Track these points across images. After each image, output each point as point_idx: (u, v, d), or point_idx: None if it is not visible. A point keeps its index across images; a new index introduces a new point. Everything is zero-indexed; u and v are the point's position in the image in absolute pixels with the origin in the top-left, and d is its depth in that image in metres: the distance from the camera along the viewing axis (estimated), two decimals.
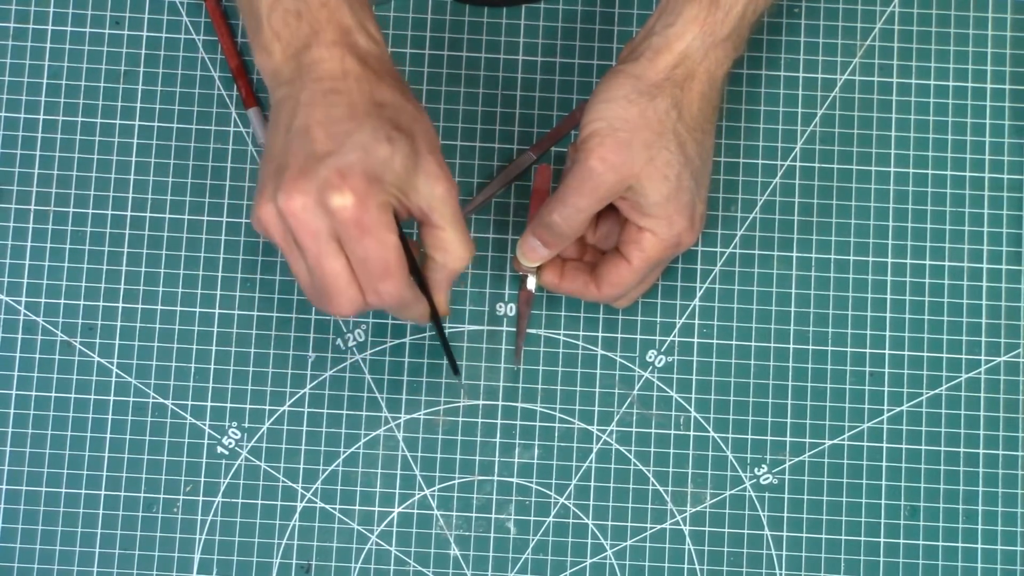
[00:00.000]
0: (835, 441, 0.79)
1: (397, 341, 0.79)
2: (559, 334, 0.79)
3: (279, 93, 0.65)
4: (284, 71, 0.65)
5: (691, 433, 0.79)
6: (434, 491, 0.78)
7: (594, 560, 0.78)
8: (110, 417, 0.78)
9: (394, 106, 0.64)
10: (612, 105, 0.70)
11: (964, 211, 0.81)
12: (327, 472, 0.78)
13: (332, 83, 0.64)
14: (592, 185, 0.70)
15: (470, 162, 0.81)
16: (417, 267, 0.68)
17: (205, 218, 0.80)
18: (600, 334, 0.79)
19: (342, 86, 0.64)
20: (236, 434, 0.78)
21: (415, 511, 0.78)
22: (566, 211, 0.71)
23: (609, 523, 0.78)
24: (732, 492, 0.78)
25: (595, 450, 0.79)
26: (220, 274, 0.79)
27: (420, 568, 0.78)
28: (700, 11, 0.70)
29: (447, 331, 0.79)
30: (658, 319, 0.80)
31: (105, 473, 0.78)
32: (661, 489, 0.78)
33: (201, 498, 0.78)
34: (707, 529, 0.78)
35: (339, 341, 0.79)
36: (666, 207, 0.70)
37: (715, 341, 0.80)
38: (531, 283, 0.77)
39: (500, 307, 0.80)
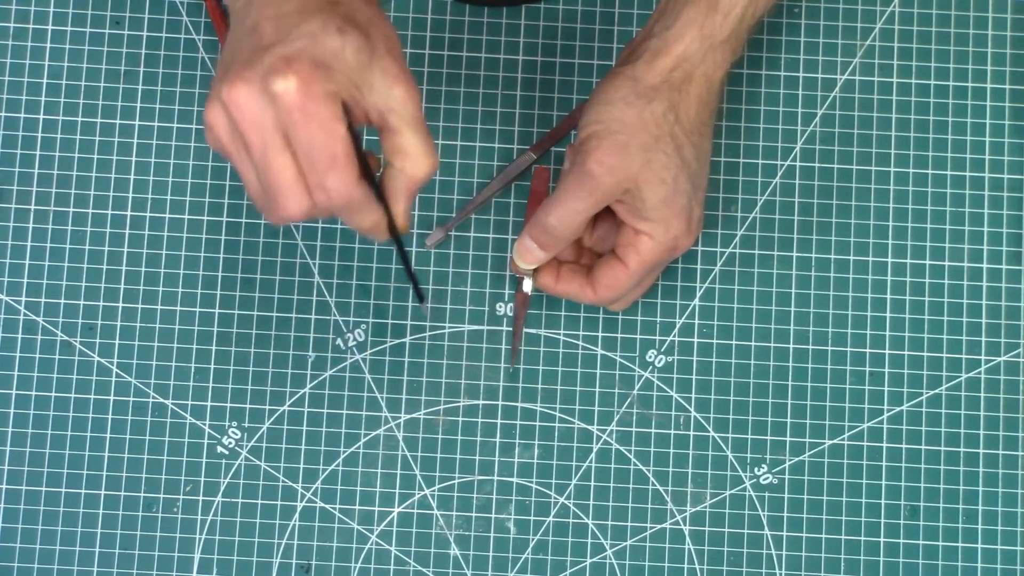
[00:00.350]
0: (835, 441, 0.79)
1: (397, 341, 0.79)
2: (559, 334, 0.79)
3: (238, 3, 0.63)
4: None
5: (691, 433, 0.79)
6: (434, 491, 0.78)
7: (594, 560, 0.78)
8: (110, 417, 0.78)
9: (349, 5, 0.61)
10: (610, 107, 0.70)
11: (964, 211, 0.81)
12: (327, 472, 0.78)
13: None
14: (589, 188, 0.70)
15: (470, 162, 0.81)
16: (371, 172, 0.63)
17: (205, 218, 0.80)
18: (600, 334, 0.79)
19: None
20: (236, 434, 0.78)
21: (415, 511, 0.78)
22: (563, 213, 0.71)
23: (609, 523, 0.78)
24: (732, 492, 0.78)
25: (595, 450, 0.79)
26: (220, 274, 0.79)
27: (420, 568, 0.78)
28: (699, 14, 0.69)
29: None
30: (658, 319, 0.80)
31: (105, 473, 0.78)
32: (661, 489, 0.78)
33: (201, 498, 0.78)
34: (707, 529, 0.78)
35: (339, 341, 0.79)
36: (663, 210, 0.70)
37: (715, 341, 0.80)
38: (527, 285, 0.77)
39: (500, 307, 0.80)
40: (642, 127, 0.69)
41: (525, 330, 0.79)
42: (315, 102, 0.58)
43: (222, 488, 0.78)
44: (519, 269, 0.76)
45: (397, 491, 0.78)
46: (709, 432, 0.79)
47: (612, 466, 0.78)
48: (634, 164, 0.69)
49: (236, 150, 0.61)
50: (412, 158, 0.63)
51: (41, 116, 0.80)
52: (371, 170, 0.63)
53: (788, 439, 0.79)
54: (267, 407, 0.78)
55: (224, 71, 0.60)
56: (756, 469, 0.79)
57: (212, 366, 0.79)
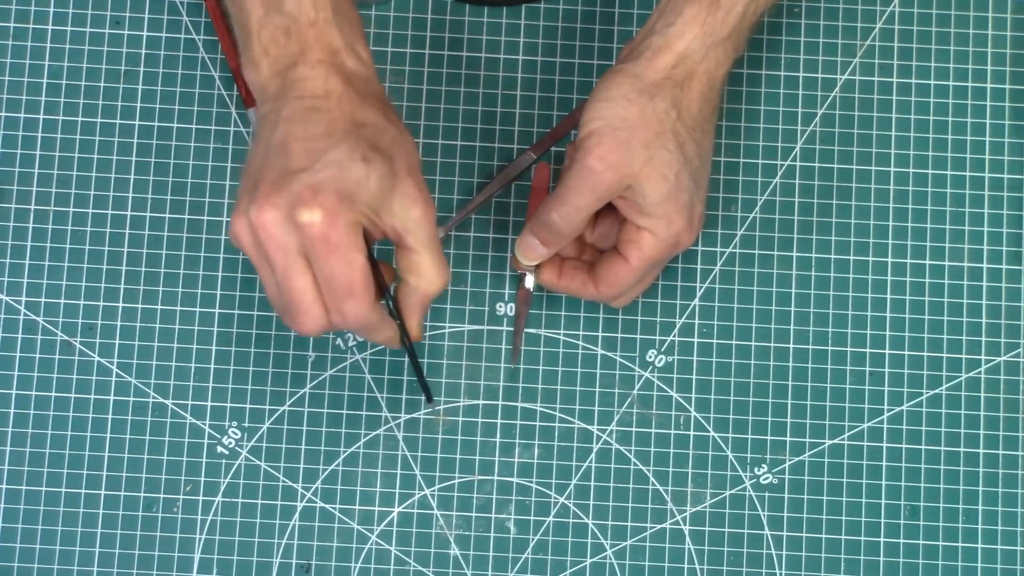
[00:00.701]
0: (835, 441, 0.79)
1: None
2: (559, 334, 0.79)
3: (264, 109, 0.65)
4: (270, 87, 0.65)
5: (691, 433, 0.79)
6: (434, 491, 0.78)
7: (594, 560, 0.78)
8: (110, 417, 0.78)
9: (375, 127, 0.64)
10: (611, 104, 0.70)
11: (964, 211, 0.81)
12: (327, 472, 0.78)
13: (314, 101, 0.64)
14: (591, 184, 0.70)
15: (470, 162, 0.81)
16: (386, 290, 0.67)
17: (205, 218, 0.80)
18: (600, 334, 0.79)
19: (323, 104, 0.64)
20: (236, 434, 0.78)
21: (415, 511, 0.78)
22: (564, 210, 0.71)
23: (609, 523, 0.78)
24: (732, 492, 0.78)
25: (595, 450, 0.79)
26: (220, 274, 0.79)
27: (420, 568, 0.78)
28: (700, 11, 0.70)
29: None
30: (658, 319, 0.80)
31: (105, 473, 0.78)
32: (661, 489, 0.78)
33: (201, 498, 0.78)
34: (707, 529, 0.78)
35: (339, 341, 0.79)
36: (665, 207, 0.70)
37: (715, 341, 0.80)
38: (529, 282, 0.77)
39: (500, 307, 0.80)
40: (644, 123, 0.69)
41: (525, 330, 0.79)
42: (338, 233, 0.62)
43: (222, 488, 0.78)
44: (521, 266, 0.76)
45: (397, 491, 0.78)
46: (709, 432, 0.79)
47: (612, 466, 0.78)
48: (636, 160, 0.69)
49: (260, 263, 0.64)
50: (426, 276, 0.66)
51: (41, 116, 0.80)
52: (385, 284, 0.67)
53: (788, 439, 0.79)
54: (267, 407, 0.79)
55: (252, 185, 0.63)
56: (756, 469, 0.79)
57: (212, 366, 0.79)
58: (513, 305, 0.79)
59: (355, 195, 0.62)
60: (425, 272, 0.66)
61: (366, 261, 0.63)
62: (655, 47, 0.70)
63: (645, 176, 0.69)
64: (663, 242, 0.71)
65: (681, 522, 0.78)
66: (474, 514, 0.78)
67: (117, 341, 0.79)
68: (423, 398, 0.77)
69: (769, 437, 0.79)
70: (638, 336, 0.79)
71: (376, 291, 0.65)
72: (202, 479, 0.78)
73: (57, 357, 0.78)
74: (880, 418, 0.79)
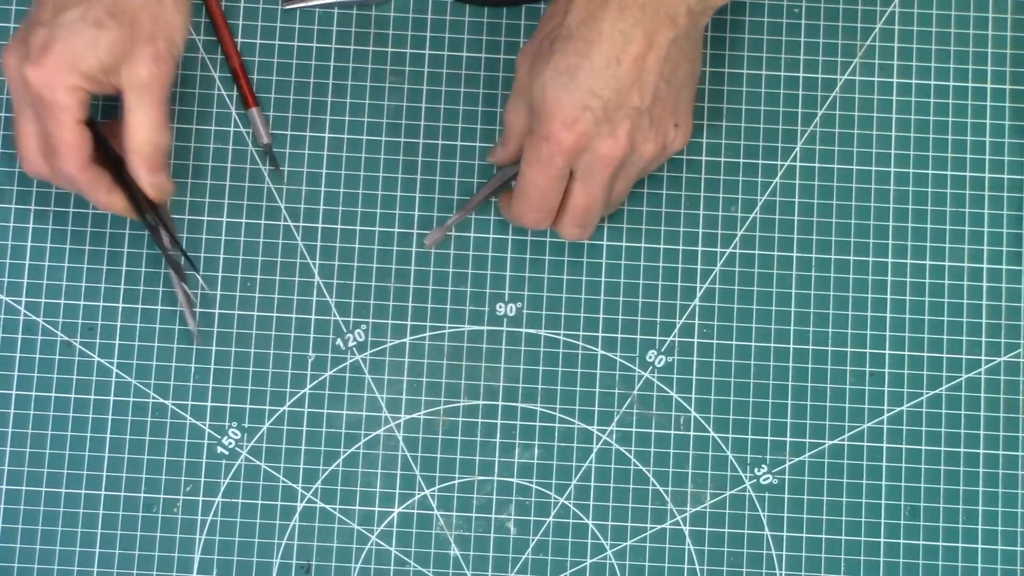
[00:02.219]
0: (835, 441, 0.79)
1: (397, 341, 0.79)
2: (559, 334, 0.79)
3: None
4: None
5: (691, 433, 0.79)
6: (434, 491, 0.78)
7: (594, 560, 0.78)
8: (110, 417, 0.78)
9: None
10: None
11: (964, 211, 0.81)
12: (327, 472, 0.78)
13: None
14: (516, 88, 0.74)
15: (470, 162, 0.81)
16: (113, 154, 0.72)
17: (205, 218, 0.80)
18: (600, 334, 0.79)
19: None
20: (236, 434, 0.78)
21: (415, 511, 0.78)
22: (506, 107, 0.75)
23: (609, 523, 0.78)
24: (732, 492, 0.78)
25: (595, 450, 0.79)
26: (220, 274, 0.79)
27: (420, 568, 0.78)
28: None
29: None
30: (658, 319, 0.80)
31: (105, 473, 0.78)
32: (661, 489, 0.78)
33: (201, 498, 0.78)
34: (707, 529, 0.78)
35: (339, 341, 0.79)
36: (536, 99, 0.71)
37: (715, 341, 0.80)
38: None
39: (500, 307, 0.80)
40: (546, 19, 0.72)
41: (526, 330, 0.79)
42: (52, 94, 0.67)
43: (222, 488, 0.78)
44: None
45: (397, 491, 0.78)
46: (709, 432, 0.79)
47: (612, 466, 0.78)
48: (529, 54, 0.72)
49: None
50: (134, 132, 0.70)
51: None
52: (113, 153, 0.72)
53: (788, 439, 0.79)
54: (267, 407, 0.78)
55: (22, 26, 0.70)
56: (756, 469, 0.79)
57: (212, 366, 0.79)
58: (513, 306, 0.79)
59: (81, 58, 0.67)
60: (134, 128, 0.70)
61: (77, 123, 0.68)
62: None
63: (533, 69, 0.71)
64: (533, 138, 0.71)
65: (681, 522, 0.78)
66: (474, 514, 0.78)
67: (117, 341, 0.79)
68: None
69: (769, 437, 0.79)
70: (638, 336, 0.79)
71: (96, 155, 0.70)
72: (202, 479, 0.78)
73: (57, 357, 0.78)
74: (880, 418, 0.79)
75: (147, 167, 0.72)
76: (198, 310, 0.79)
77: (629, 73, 0.70)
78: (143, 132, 0.70)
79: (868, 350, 0.79)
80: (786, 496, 0.78)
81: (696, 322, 0.80)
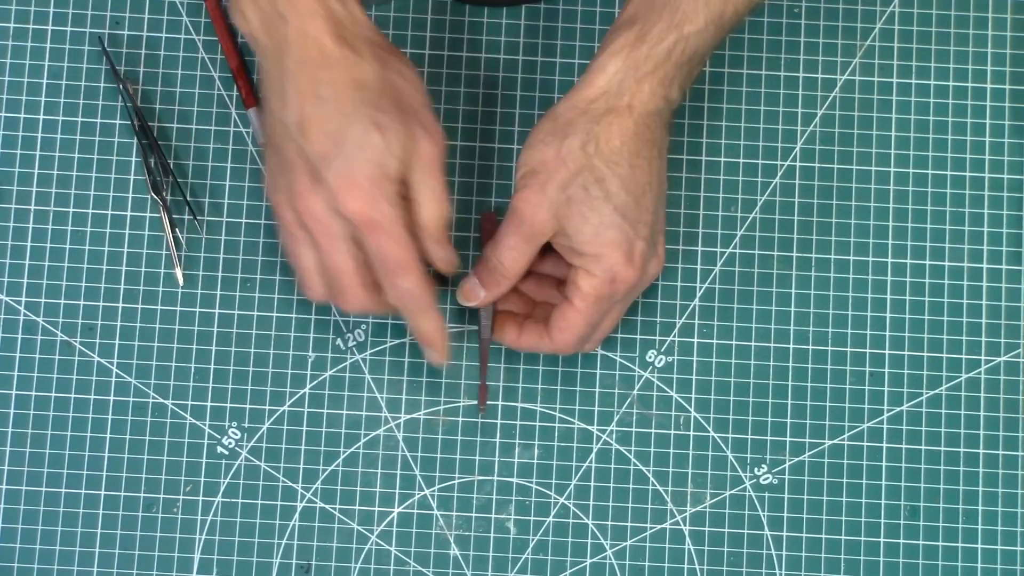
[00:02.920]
0: (835, 441, 0.79)
1: (397, 341, 0.79)
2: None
3: (263, 64, 0.68)
4: (262, 42, 0.68)
5: (691, 433, 0.79)
6: (434, 491, 0.78)
7: (594, 560, 0.78)
8: (110, 417, 0.78)
9: (375, 81, 0.67)
10: (532, 150, 0.70)
11: (964, 211, 0.81)
12: (327, 472, 0.78)
13: (314, 71, 0.66)
14: (519, 226, 0.70)
15: (470, 162, 0.81)
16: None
17: (206, 218, 0.80)
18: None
19: (324, 74, 0.66)
20: (236, 434, 0.78)
21: (415, 511, 0.78)
22: (499, 251, 0.71)
23: (609, 523, 0.78)
24: (732, 492, 0.78)
25: (595, 450, 0.79)
26: (220, 274, 0.79)
27: (420, 568, 0.78)
28: (625, 45, 0.69)
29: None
30: (658, 319, 0.80)
31: (105, 473, 0.78)
32: (661, 489, 0.78)
33: (201, 498, 0.78)
34: (707, 529, 0.78)
35: (339, 341, 0.79)
36: (592, 244, 0.70)
37: (715, 341, 0.80)
38: (485, 331, 0.76)
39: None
40: (559, 164, 0.69)
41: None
42: (381, 214, 0.66)
43: (222, 488, 0.78)
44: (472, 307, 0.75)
45: (397, 491, 0.78)
46: (709, 432, 0.79)
47: (612, 466, 0.78)
48: (556, 202, 0.69)
49: (301, 240, 0.69)
50: (418, 207, 0.69)
51: (41, 116, 0.80)
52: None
53: (788, 439, 0.79)
54: (267, 407, 0.79)
55: (283, 170, 0.68)
56: (756, 469, 0.79)
57: (212, 366, 0.79)
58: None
59: (385, 168, 0.66)
60: (422, 204, 0.68)
61: (405, 230, 0.67)
62: (579, 83, 0.70)
63: (566, 217, 0.69)
64: (598, 279, 0.70)
65: (681, 522, 0.78)
66: (474, 514, 0.78)
67: (117, 341, 0.79)
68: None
69: (769, 437, 0.79)
70: (638, 336, 0.79)
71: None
72: (202, 479, 0.78)
73: (57, 357, 0.78)
74: (880, 418, 0.79)
75: (438, 242, 0.70)
76: (199, 310, 0.79)
77: (658, 191, 0.72)
78: (432, 208, 0.69)
79: (868, 350, 0.79)
80: (786, 496, 0.78)
81: (696, 322, 0.80)
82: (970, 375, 0.79)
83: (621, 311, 0.75)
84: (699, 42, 0.69)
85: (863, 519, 0.78)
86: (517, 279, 0.73)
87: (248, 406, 0.78)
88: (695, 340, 0.79)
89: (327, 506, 0.78)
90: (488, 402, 0.79)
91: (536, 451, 0.78)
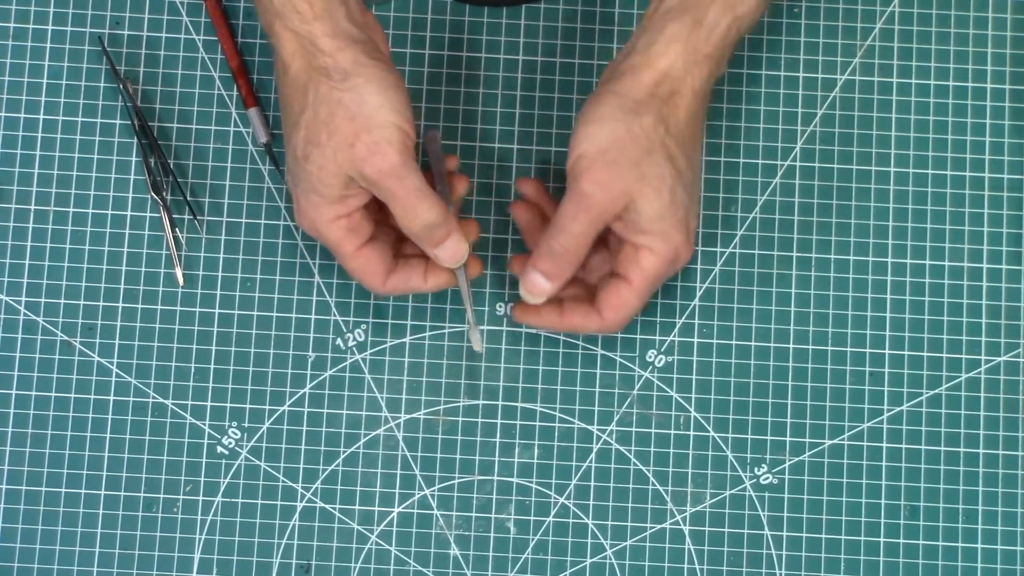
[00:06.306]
0: (835, 441, 0.79)
1: (397, 341, 0.79)
2: (559, 334, 0.79)
3: (293, 100, 0.71)
4: (300, 80, 0.70)
5: (691, 433, 0.79)
6: (434, 491, 0.78)
7: (594, 560, 0.78)
8: (110, 417, 0.78)
9: (304, 122, 0.69)
10: (598, 126, 0.69)
11: (964, 211, 0.81)
12: (327, 472, 0.78)
13: (313, 134, 0.69)
14: (586, 207, 0.69)
15: (470, 162, 0.81)
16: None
17: (206, 218, 0.80)
18: (600, 334, 0.79)
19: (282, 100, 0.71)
20: (236, 434, 0.78)
21: (415, 511, 0.78)
22: (563, 238, 0.70)
23: (609, 523, 0.78)
24: (732, 492, 0.78)
25: (595, 450, 0.79)
26: (220, 274, 0.79)
27: (420, 568, 0.78)
28: (683, 29, 0.69)
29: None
30: (658, 319, 0.80)
31: (105, 473, 0.78)
32: (661, 489, 0.78)
33: (201, 498, 0.78)
34: (707, 529, 0.78)
35: (339, 341, 0.79)
36: (661, 223, 0.70)
37: (715, 341, 0.80)
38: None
39: (500, 307, 0.80)
40: (632, 141, 0.69)
41: (526, 330, 0.79)
42: (321, 236, 0.71)
43: (222, 488, 0.78)
44: (523, 315, 0.74)
45: (397, 491, 0.78)
46: (709, 432, 0.79)
47: (612, 466, 0.78)
48: (627, 178, 0.69)
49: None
50: (396, 220, 0.72)
51: (41, 116, 0.80)
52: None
53: (788, 439, 0.79)
54: (267, 407, 0.79)
55: (294, 193, 0.72)
56: (756, 469, 0.79)
57: (212, 366, 0.79)
58: (514, 305, 0.79)
59: (315, 193, 0.70)
60: (397, 218, 0.71)
61: (356, 251, 0.72)
62: (637, 66, 0.70)
63: (639, 193, 0.69)
64: (662, 257, 0.70)
65: (681, 522, 0.78)
66: (474, 514, 0.78)
67: (117, 341, 0.79)
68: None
69: (769, 437, 0.79)
70: (638, 336, 0.79)
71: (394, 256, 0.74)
72: (202, 479, 0.78)
73: (57, 357, 0.78)
74: (880, 418, 0.79)
75: (429, 246, 0.72)
76: (199, 310, 0.79)
77: (700, 176, 0.73)
78: (401, 222, 0.70)
79: (868, 350, 0.79)
80: (786, 496, 0.78)
81: (696, 322, 0.80)
82: (970, 375, 0.79)
83: (656, 291, 0.75)
84: (751, 21, 0.71)
85: (863, 519, 0.78)
86: (580, 263, 0.72)
87: (248, 406, 0.78)
88: (695, 340, 0.80)
89: (327, 506, 0.78)
90: (488, 402, 0.79)
91: (536, 451, 0.78)
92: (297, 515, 0.78)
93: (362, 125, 0.68)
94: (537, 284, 0.72)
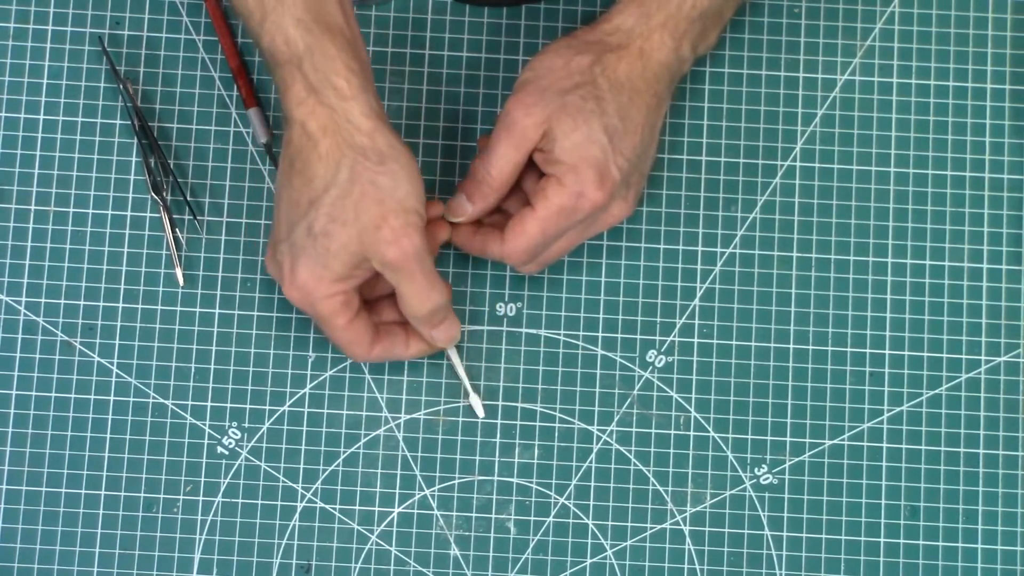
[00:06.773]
0: (835, 441, 0.79)
1: None
2: (559, 334, 0.79)
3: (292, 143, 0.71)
4: (333, 156, 0.69)
5: (691, 433, 0.79)
6: (434, 491, 0.78)
7: (594, 560, 0.78)
8: (110, 417, 0.78)
9: (330, 199, 0.69)
10: (541, 57, 0.72)
11: (964, 211, 0.81)
12: (327, 472, 0.78)
13: (310, 186, 0.69)
14: (509, 129, 0.71)
15: (470, 162, 0.81)
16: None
17: (206, 218, 0.80)
18: (600, 334, 0.79)
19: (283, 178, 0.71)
20: (236, 434, 0.78)
21: (415, 511, 0.78)
22: (489, 160, 0.72)
23: (609, 523, 0.78)
24: (732, 492, 0.78)
25: (595, 450, 0.79)
26: (220, 274, 0.79)
27: (420, 568, 0.78)
28: None
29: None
30: (658, 319, 0.80)
31: (105, 473, 0.78)
32: (661, 489, 0.78)
33: (201, 498, 0.78)
34: (707, 529, 0.78)
35: None
36: (572, 154, 0.70)
37: (715, 341, 0.80)
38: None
39: (500, 307, 0.80)
40: (565, 73, 0.71)
41: (526, 330, 0.79)
42: (315, 309, 0.71)
43: (222, 488, 0.78)
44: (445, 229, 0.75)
45: (397, 491, 0.78)
46: (709, 432, 0.79)
47: (612, 466, 0.78)
48: (550, 105, 0.70)
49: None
50: (406, 306, 0.72)
51: (41, 116, 0.80)
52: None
53: (788, 439, 0.79)
54: (267, 407, 0.79)
55: (279, 251, 0.71)
56: (756, 469, 0.79)
57: (212, 366, 0.79)
58: (513, 306, 0.79)
59: (324, 268, 0.69)
60: (404, 302, 0.72)
61: (347, 324, 0.72)
62: (600, 17, 0.73)
63: (557, 120, 0.70)
64: (568, 190, 0.71)
65: (681, 522, 0.78)
66: (474, 514, 0.78)
67: (117, 341, 0.79)
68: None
69: (769, 437, 0.79)
70: (638, 336, 0.79)
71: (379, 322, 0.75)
72: (202, 479, 0.78)
73: (57, 357, 0.78)
74: (880, 418, 0.79)
75: (427, 327, 0.73)
76: (199, 310, 0.79)
77: (647, 140, 0.73)
78: (412, 305, 0.71)
79: (868, 350, 0.79)
80: (786, 496, 0.78)
81: (696, 322, 0.80)
82: (970, 375, 0.79)
83: (575, 241, 0.75)
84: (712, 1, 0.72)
85: (863, 519, 0.78)
86: (505, 190, 0.73)
87: (248, 406, 0.78)
88: (695, 340, 0.80)
89: (327, 506, 0.78)
90: (488, 402, 0.79)
91: (536, 451, 0.78)
92: (297, 515, 0.78)
93: (390, 208, 0.68)
94: (460, 206, 0.74)
